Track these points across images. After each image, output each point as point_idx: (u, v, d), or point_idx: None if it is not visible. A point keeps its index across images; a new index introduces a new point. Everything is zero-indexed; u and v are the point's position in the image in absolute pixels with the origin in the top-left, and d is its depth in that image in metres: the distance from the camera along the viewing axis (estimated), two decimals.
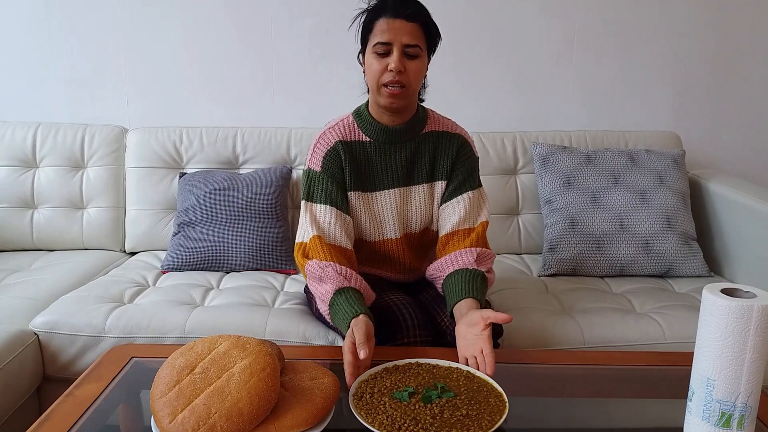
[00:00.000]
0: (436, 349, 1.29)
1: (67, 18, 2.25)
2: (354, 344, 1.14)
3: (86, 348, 1.54)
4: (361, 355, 1.11)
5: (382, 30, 1.33)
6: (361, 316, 1.22)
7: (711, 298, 0.94)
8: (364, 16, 1.38)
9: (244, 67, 2.31)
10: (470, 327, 1.21)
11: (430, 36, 1.38)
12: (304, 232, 1.42)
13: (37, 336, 1.56)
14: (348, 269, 1.34)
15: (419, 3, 1.37)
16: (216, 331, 1.52)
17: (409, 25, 1.32)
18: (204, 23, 2.27)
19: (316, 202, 1.43)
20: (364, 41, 1.39)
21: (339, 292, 1.29)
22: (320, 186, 1.43)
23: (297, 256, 1.42)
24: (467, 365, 1.19)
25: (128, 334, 1.54)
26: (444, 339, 1.38)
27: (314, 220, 1.41)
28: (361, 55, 1.42)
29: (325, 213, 1.41)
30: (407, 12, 1.32)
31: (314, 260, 1.35)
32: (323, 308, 1.34)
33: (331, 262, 1.34)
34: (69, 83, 2.30)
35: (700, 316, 0.97)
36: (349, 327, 1.21)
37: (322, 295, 1.33)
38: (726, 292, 0.96)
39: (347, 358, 1.13)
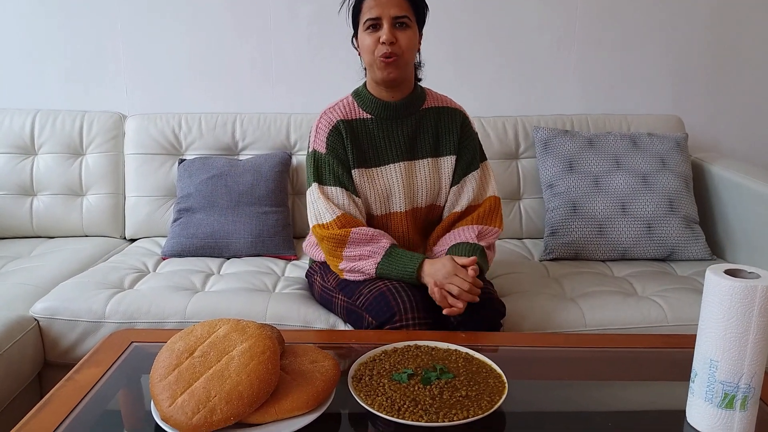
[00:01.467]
0: (435, 332, 1.29)
1: (66, 4, 2.23)
2: (438, 286, 1.31)
3: (86, 333, 1.54)
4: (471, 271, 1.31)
5: (369, 7, 1.38)
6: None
7: (714, 279, 0.93)
8: None
9: (243, 54, 2.29)
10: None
11: (417, 7, 1.43)
12: (324, 213, 1.43)
13: (38, 322, 1.56)
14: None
15: None
16: (216, 316, 1.52)
17: None
18: (203, 9, 2.25)
19: (327, 184, 1.45)
20: (355, 23, 1.44)
21: (396, 245, 1.42)
22: (328, 168, 1.45)
23: (320, 231, 1.43)
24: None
25: (128, 319, 1.54)
26: (447, 321, 1.37)
27: (331, 202, 1.44)
28: (354, 39, 1.47)
29: (338, 195, 1.45)
30: None
31: (361, 226, 1.42)
32: (372, 261, 1.39)
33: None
34: (67, 70, 2.28)
35: (703, 297, 0.96)
36: (420, 266, 1.36)
37: (376, 249, 1.39)
38: (729, 273, 0.95)
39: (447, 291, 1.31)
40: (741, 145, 2.41)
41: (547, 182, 2.02)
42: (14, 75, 2.28)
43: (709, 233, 1.98)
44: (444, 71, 2.30)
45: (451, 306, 1.30)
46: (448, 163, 1.52)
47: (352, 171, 1.47)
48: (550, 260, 1.92)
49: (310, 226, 1.48)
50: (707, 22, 2.31)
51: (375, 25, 1.38)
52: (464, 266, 1.34)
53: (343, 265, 1.43)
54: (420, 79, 1.54)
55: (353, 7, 1.43)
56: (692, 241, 1.89)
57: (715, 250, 1.97)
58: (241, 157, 2.13)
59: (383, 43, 1.37)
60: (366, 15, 1.39)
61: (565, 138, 2.05)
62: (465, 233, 1.47)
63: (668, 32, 2.32)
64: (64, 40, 2.26)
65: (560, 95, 2.36)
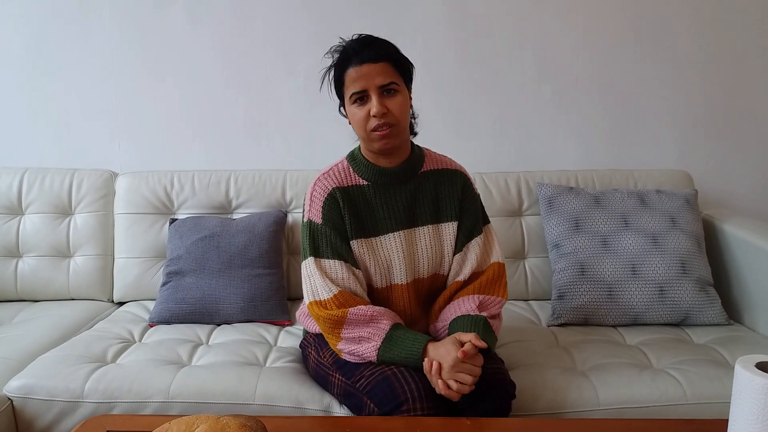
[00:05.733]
0: (438, 419, 1.18)
1: (58, 60, 2.20)
2: (437, 365, 1.21)
3: (63, 414, 1.43)
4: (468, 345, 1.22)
5: (353, 80, 1.30)
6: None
7: (746, 376, 0.84)
8: (332, 72, 1.35)
9: (238, 109, 2.24)
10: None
11: (403, 68, 1.34)
12: (321, 291, 1.34)
13: (11, 401, 1.45)
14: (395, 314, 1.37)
15: (381, 40, 1.34)
16: (202, 396, 1.42)
17: (377, 67, 1.29)
18: (197, 65, 2.21)
19: (325, 257, 1.36)
20: (341, 94, 1.36)
21: (398, 326, 1.31)
22: (325, 239, 1.36)
23: (317, 310, 1.34)
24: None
25: (108, 398, 1.43)
26: (453, 404, 1.27)
27: (329, 277, 1.34)
28: (342, 108, 1.39)
29: (337, 269, 1.35)
30: (371, 54, 1.29)
31: (359, 306, 1.31)
32: (373, 346, 1.29)
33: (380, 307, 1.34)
34: (59, 126, 2.23)
35: (733, 394, 0.87)
36: (424, 350, 1.26)
37: (375, 332, 1.30)
38: (762, 366, 0.86)
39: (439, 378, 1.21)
40: (752, 200, 2.33)
41: (553, 242, 1.94)
42: (3, 132, 2.23)
43: (724, 296, 1.88)
44: (444, 126, 2.25)
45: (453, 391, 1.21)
46: (449, 229, 1.44)
47: (351, 242, 1.38)
48: (558, 326, 1.82)
49: (305, 302, 1.39)
50: (714, 70, 2.26)
51: (362, 98, 1.30)
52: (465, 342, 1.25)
53: (342, 345, 1.34)
54: (416, 133, 1.46)
55: (335, 79, 1.35)
56: (707, 306, 1.80)
57: (732, 314, 1.87)
58: (234, 216, 2.06)
59: (374, 116, 1.29)
60: (351, 89, 1.30)
61: (570, 195, 1.98)
62: (465, 305, 1.38)
63: (672, 83, 2.27)
64: (55, 96, 2.21)
65: (563, 149, 2.30)
